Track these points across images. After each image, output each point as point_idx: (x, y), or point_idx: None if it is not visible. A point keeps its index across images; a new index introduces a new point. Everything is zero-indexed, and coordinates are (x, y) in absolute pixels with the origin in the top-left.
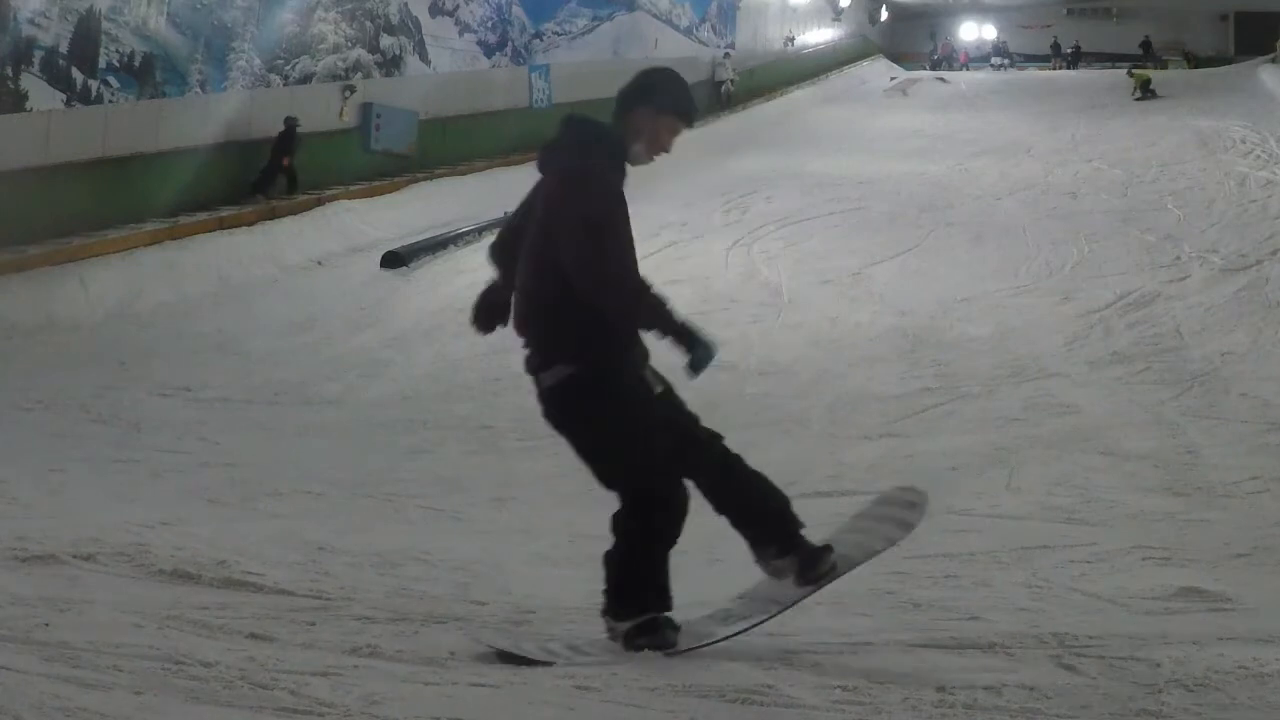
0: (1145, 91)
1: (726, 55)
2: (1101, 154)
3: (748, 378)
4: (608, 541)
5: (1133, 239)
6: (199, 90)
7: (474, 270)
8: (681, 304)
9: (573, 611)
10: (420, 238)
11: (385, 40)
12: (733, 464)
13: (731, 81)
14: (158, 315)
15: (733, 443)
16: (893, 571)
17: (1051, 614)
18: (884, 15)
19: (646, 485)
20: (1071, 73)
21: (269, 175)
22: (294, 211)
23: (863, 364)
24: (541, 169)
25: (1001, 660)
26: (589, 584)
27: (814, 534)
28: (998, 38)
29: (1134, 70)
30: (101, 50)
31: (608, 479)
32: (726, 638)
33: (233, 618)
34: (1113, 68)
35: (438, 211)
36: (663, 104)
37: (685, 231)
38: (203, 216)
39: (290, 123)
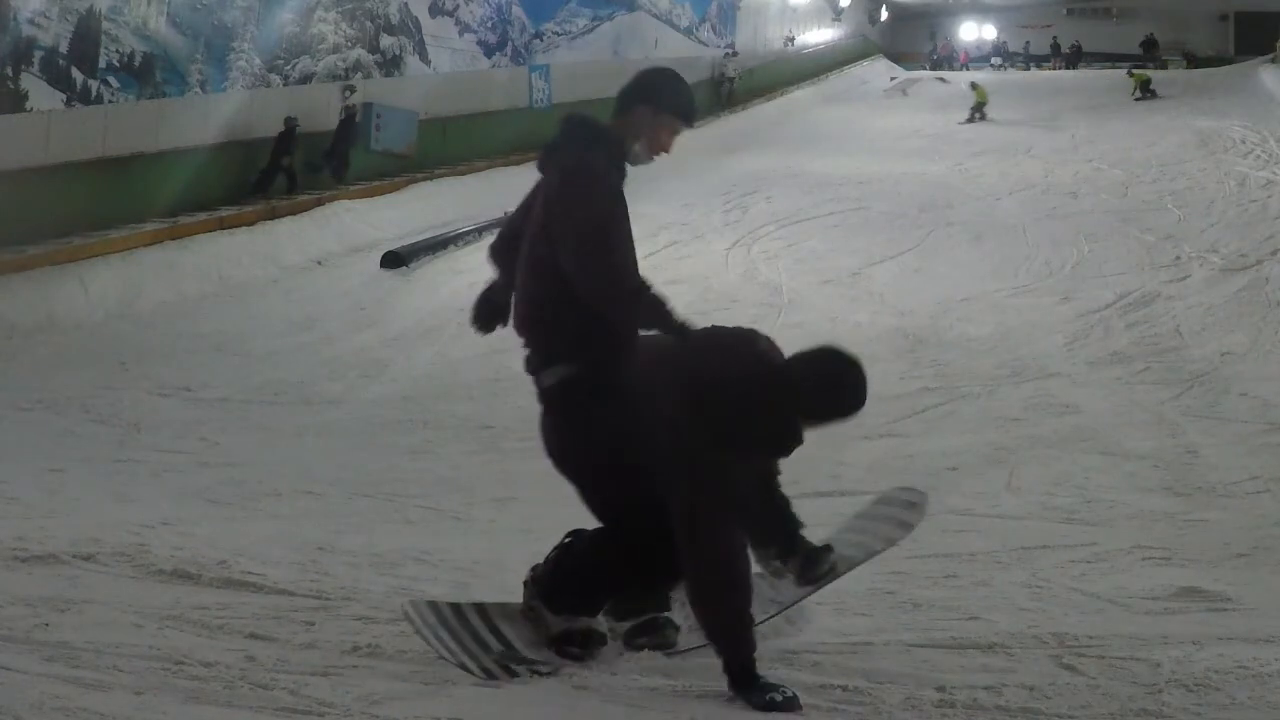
0: (1145, 91)
1: (735, 54)
2: (1101, 154)
3: None
4: None
5: (1133, 239)
6: (199, 90)
7: (474, 270)
8: (681, 304)
9: None
10: (420, 238)
11: (385, 40)
12: None
13: (732, 80)
14: (158, 315)
15: None
16: (893, 571)
17: (1051, 614)
18: (884, 15)
19: (647, 485)
20: (1071, 72)
21: (269, 175)
22: (294, 211)
23: (863, 364)
24: (541, 169)
25: (1001, 660)
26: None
27: (814, 534)
28: (998, 38)
29: (1134, 70)
30: (101, 50)
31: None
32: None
33: (233, 618)
34: (1113, 68)
35: (438, 211)
36: (662, 104)
37: (685, 231)
38: (203, 216)
39: (350, 111)
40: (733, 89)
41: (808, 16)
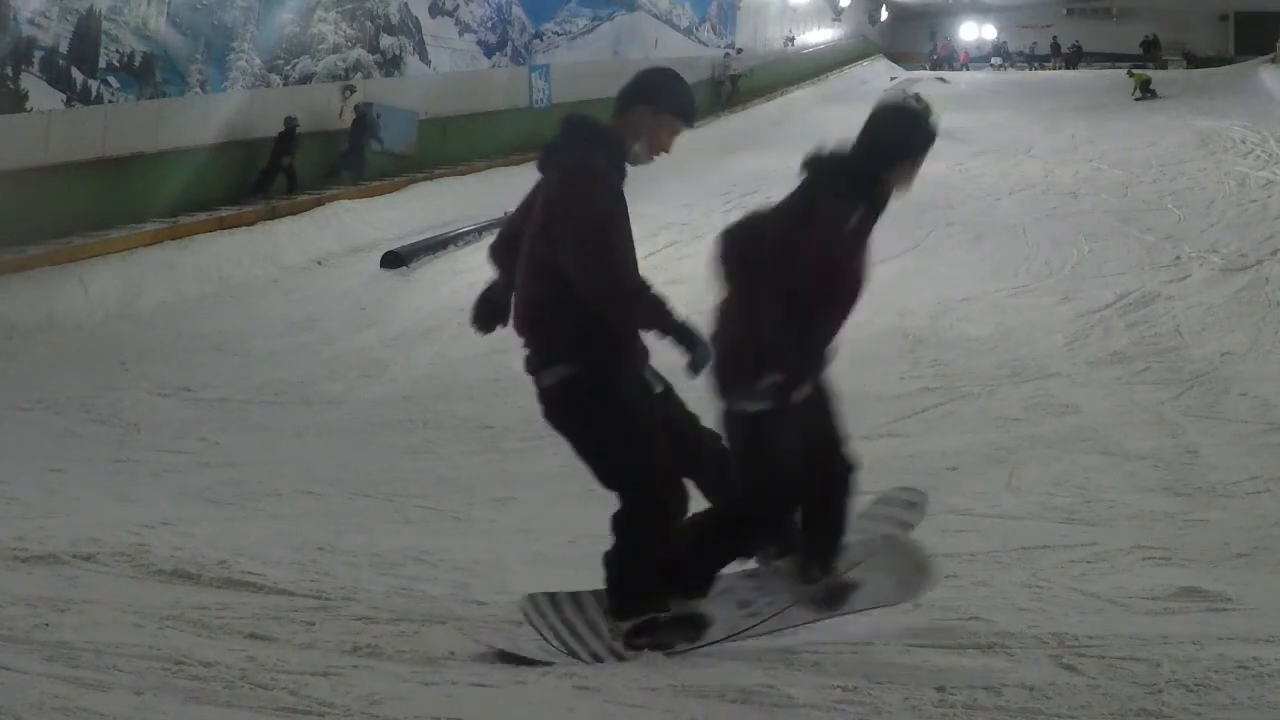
0: (1145, 91)
1: (740, 51)
2: (1101, 154)
3: None
4: (608, 541)
5: (1133, 239)
6: (199, 90)
7: (474, 270)
8: (681, 304)
9: None
10: (420, 238)
11: (385, 40)
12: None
13: (736, 78)
14: (158, 315)
15: None
16: None
17: (1051, 614)
18: (884, 15)
19: (646, 485)
20: (1071, 72)
21: (269, 175)
22: (294, 211)
23: (863, 364)
24: (541, 169)
25: (1001, 660)
26: (589, 584)
27: None
28: (998, 37)
29: (1134, 70)
30: (101, 50)
31: (608, 479)
32: (726, 638)
33: (233, 618)
34: (1113, 68)
35: (438, 211)
36: (662, 104)
37: (685, 231)
38: (203, 216)
39: (360, 110)
40: (735, 87)
41: (808, 16)
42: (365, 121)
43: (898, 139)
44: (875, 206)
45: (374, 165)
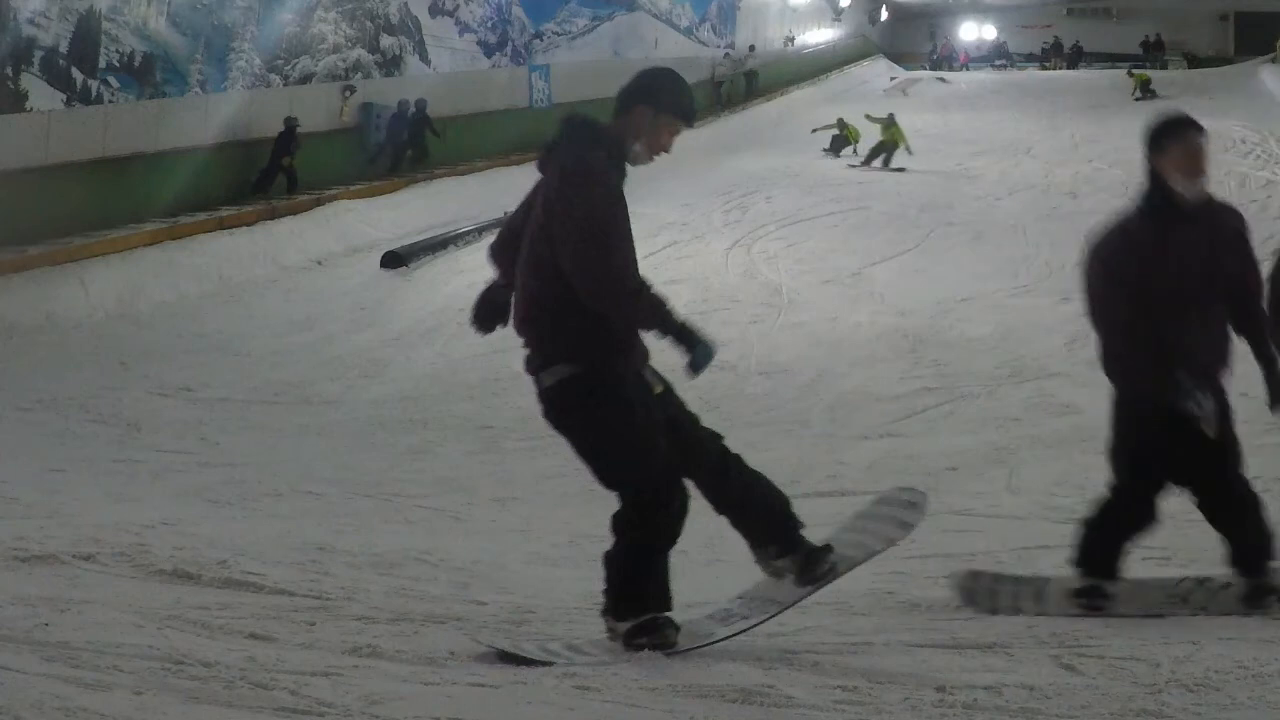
0: (1145, 91)
1: (753, 49)
2: (1101, 154)
3: (748, 378)
4: (608, 541)
5: None
6: (199, 90)
7: (474, 270)
8: (681, 304)
9: (573, 611)
10: (420, 238)
11: (385, 40)
12: (732, 464)
13: (747, 75)
14: (158, 315)
15: (733, 442)
16: (893, 571)
17: (1051, 614)
18: (884, 15)
19: (647, 485)
20: (1072, 72)
21: (269, 175)
22: (294, 211)
23: (863, 364)
24: (541, 169)
25: (1001, 660)
26: (589, 584)
27: (814, 534)
28: (998, 37)
29: (1134, 70)
30: (101, 50)
31: (607, 479)
32: (726, 638)
33: (233, 618)
34: (1113, 68)
35: (438, 211)
36: (662, 104)
37: (685, 231)
38: (203, 216)
39: (420, 104)
40: (752, 84)
41: (808, 16)
42: (425, 116)
43: (1145, 139)
44: (1160, 212)
45: (434, 155)
